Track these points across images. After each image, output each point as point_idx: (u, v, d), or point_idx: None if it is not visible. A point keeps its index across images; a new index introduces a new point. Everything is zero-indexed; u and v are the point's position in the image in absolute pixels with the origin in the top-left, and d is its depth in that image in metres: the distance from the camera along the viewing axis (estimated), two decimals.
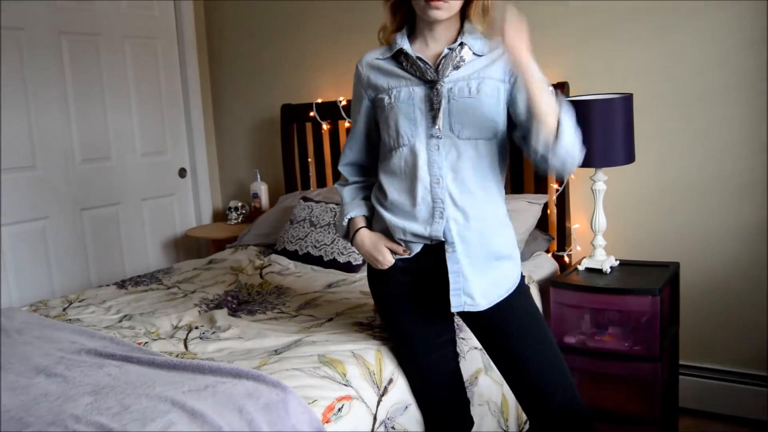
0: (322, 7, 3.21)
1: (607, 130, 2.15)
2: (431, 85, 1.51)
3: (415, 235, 1.54)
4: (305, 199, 2.84)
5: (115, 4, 3.27)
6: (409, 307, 1.63)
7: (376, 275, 1.66)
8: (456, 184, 1.51)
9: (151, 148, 3.48)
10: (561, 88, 2.55)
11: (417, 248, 1.57)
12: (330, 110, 3.14)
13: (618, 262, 2.36)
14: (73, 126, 3.12)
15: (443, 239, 1.52)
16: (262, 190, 3.42)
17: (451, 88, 1.50)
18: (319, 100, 3.22)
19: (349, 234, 1.68)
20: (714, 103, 2.36)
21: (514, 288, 1.59)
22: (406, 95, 1.53)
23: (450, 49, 1.51)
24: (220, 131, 3.76)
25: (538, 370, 1.54)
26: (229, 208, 3.48)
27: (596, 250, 2.33)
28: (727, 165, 2.37)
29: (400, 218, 1.55)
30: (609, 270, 2.29)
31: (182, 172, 3.65)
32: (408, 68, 1.54)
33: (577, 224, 2.64)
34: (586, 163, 2.21)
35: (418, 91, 1.52)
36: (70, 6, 3.08)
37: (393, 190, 1.57)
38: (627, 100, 2.18)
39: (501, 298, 1.56)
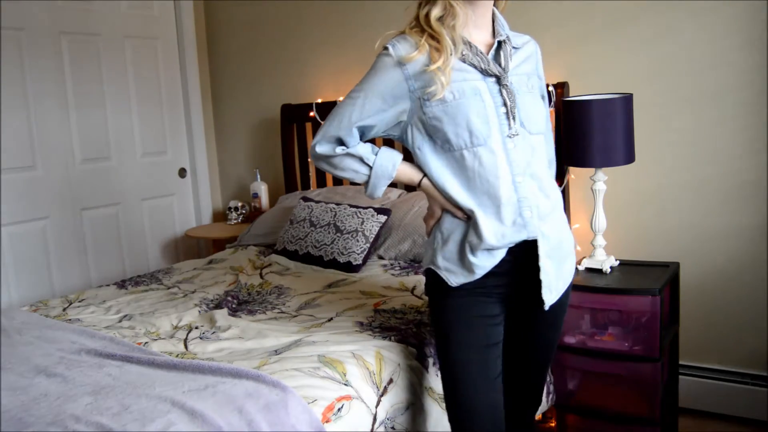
0: (321, 7, 3.21)
1: (607, 130, 2.15)
2: (496, 79, 1.39)
3: (509, 240, 1.41)
4: (305, 199, 2.84)
5: (115, 4, 3.27)
6: (483, 325, 1.46)
7: (446, 288, 1.46)
8: (535, 181, 1.42)
9: (151, 148, 3.48)
10: (561, 88, 2.55)
11: (503, 254, 1.42)
12: (330, 110, 3.13)
13: (618, 262, 2.36)
14: (73, 126, 3.12)
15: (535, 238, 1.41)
16: (262, 190, 3.42)
17: (513, 83, 1.41)
18: (319, 100, 3.21)
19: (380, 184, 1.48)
20: (714, 103, 2.36)
21: (571, 282, 1.53)
22: (472, 90, 1.37)
23: (500, 41, 1.41)
24: (220, 131, 3.76)
25: (538, 382, 1.63)
26: (229, 208, 3.48)
27: (596, 250, 2.33)
28: (727, 165, 2.37)
29: (493, 224, 1.39)
30: (609, 270, 2.29)
31: (182, 172, 3.65)
32: (468, 60, 1.38)
33: (577, 224, 2.64)
34: (586, 163, 2.22)
35: (482, 86, 1.38)
36: (70, 6, 3.08)
37: (470, 196, 1.41)
38: (627, 100, 2.18)
39: (562, 292, 1.50)
